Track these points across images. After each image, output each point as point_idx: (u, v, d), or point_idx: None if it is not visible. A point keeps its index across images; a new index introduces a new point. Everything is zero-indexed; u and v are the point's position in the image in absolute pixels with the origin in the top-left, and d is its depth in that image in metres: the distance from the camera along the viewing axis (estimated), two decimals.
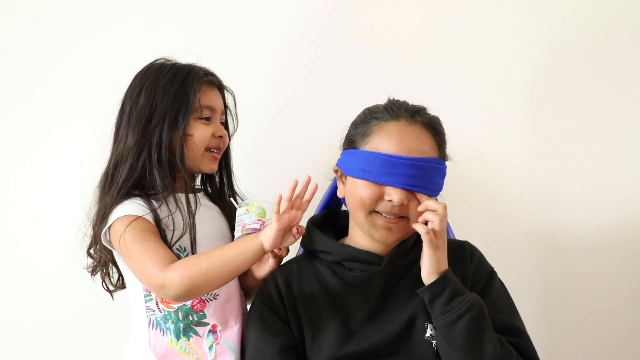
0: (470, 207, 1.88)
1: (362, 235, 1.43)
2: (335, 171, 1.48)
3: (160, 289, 1.33)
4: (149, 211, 1.41)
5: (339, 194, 1.47)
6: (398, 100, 1.44)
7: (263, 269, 1.46)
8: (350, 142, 1.44)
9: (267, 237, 1.30)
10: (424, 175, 1.35)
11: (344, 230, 1.50)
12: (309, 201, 1.35)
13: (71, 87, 1.90)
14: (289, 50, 1.91)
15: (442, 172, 1.40)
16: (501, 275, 1.48)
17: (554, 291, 1.92)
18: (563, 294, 1.92)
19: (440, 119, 1.44)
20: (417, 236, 1.43)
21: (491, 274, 1.46)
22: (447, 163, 1.43)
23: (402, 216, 1.37)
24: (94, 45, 1.90)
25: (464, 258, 1.45)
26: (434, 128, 1.41)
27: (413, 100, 1.45)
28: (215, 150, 1.52)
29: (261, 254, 1.33)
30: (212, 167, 1.52)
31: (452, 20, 1.92)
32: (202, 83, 1.49)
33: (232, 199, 1.54)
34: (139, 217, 1.39)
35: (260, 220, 1.41)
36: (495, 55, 1.92)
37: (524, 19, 1.92)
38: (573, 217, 1.92)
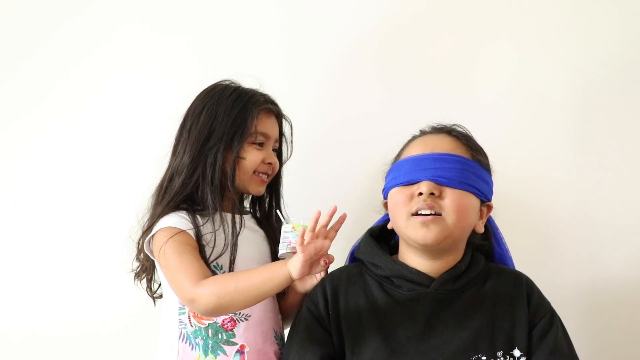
0: (512, 228, 1.81)
1: (412, 257, 1.43)
2: (384, 204, 1.50)
3: (190, 302, 1.38)
4: (192, 226, 1.46)
5: (389, 226, 1.48)
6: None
7: (309, 283, 1.48)
8: (387, 171, 1.50)
9: (294, 267, 1.32)
10: (451, 167, 1.38)
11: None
12: (336, 230, 1.36)
13: (129, 99, 1.95)
14: (336, 73, 1.93)
15: (476, 171, 1.41)
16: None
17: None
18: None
19: (483, 140, 1.48)
20: (469, 261, 1.44)
21: (552, 314, 1.42)
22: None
23: (439, 214, 1.37)
24: (160, 60, 1.96)
25: (519, 295, 1.42)
26: (459, 133, 1.46)
27: (457, 120, 1.50)
28: (263, 175, 1.57)
29: (288, 283, 1.35)
30: (259, 189, 1.57)
31: (498, 43, 1.91)
32: (261, 110, 1.55)
33: (278, 210, 1.56)
34: (182, 231, 1.44)
35: None
36: (538, 75, 1.90)
37: (569, 38, 1.90)
38: (617, 237, 1.87)
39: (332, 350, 1.39)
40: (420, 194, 1.37)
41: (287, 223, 1.44)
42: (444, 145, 1.43)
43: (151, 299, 1.62)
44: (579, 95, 1.89)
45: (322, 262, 1.34)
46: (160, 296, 1.59)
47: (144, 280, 1.60)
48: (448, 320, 1.38)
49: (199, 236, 1.46)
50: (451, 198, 1.37)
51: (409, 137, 1.51)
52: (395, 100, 1.91)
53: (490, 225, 1.52)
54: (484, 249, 1.52)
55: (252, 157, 1.53)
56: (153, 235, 1.47)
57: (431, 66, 1.91)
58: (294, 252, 1.39)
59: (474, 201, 1.41)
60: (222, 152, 1.50)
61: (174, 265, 1.40)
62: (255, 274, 1.37)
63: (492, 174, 1.49)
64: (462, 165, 1.39)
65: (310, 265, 1.33)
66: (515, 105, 1.90)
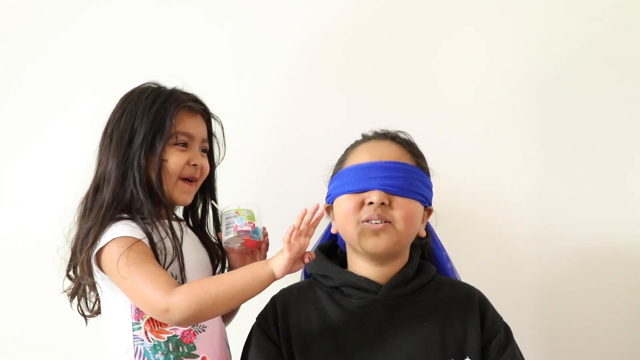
0: (472, 245, 1.88)
1: (360, 263, 1.45)
2: (326, 208, 1.50)
3: (164, 312, 1.31)
4: (144, 235, 1.39)
5: (333, 230, 1.51)
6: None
7: None
8: (331, 176, 1.51)
9: (278, 266, 1.31)
10: (399, 176, 1.41)
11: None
12: (315, 226, 1.35)
13: (51, 104, 1.93)
14: (299, 76, 1.95)
15: (421, 178, 1.45)
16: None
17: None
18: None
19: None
20: (418, 266, 1.47)
21: (507, 328, 1.45)
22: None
23: (388, 221, 1.40)
24: (93, 64, 1.94)
25: (471, 307, 1.44)
26: (403, 140, 1.49)
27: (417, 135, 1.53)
28: (190, 179, 1.50)
29: (271, 282, 1.34)
30: (184, 197, 1.49)
31: (455, 51, 1.94)
32: (181, 108, 1.47)
33: (212, 200, 1.52)
34: (138, 240, 1.37)
35: (250, 222, 1.43)
36: (498, 89, 1.93)
37: (526, 39, 1.94)
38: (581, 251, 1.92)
39: None
40: (371, 203, 1.40)
41: (228, 209, 1.44)
42: (391, 153, 1.44)
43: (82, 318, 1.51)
44: (539, 102, 1.92)
45: (306, 259, 1.34)
46: (97, 313, 1.49)
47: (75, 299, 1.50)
48: (399, 326, 1.40)
49: (152, 244, 1.39)
50: (400, 206, 1.40)
51: (352, 142, 1.52)
52: (357, 105, 1.93)
53: (427, 228, 1.57)
54: (425, 247, 1.57)
55: (175, 159, 1.45)
56: (102, 248, 1.37)
57: (392, 73, 1.94)
58: (240, 236, 1.41)
59: (419, 207, 1.44)
60: (145, 155, 1.43)
61: (137, 276, 1.32)
62: (236, 276, 1.34)
63: (433, 178, 1.53)
64: (408, 173, 1.42)
65: (294, 263, 1.33)
66: (480, 112, 1.93)
